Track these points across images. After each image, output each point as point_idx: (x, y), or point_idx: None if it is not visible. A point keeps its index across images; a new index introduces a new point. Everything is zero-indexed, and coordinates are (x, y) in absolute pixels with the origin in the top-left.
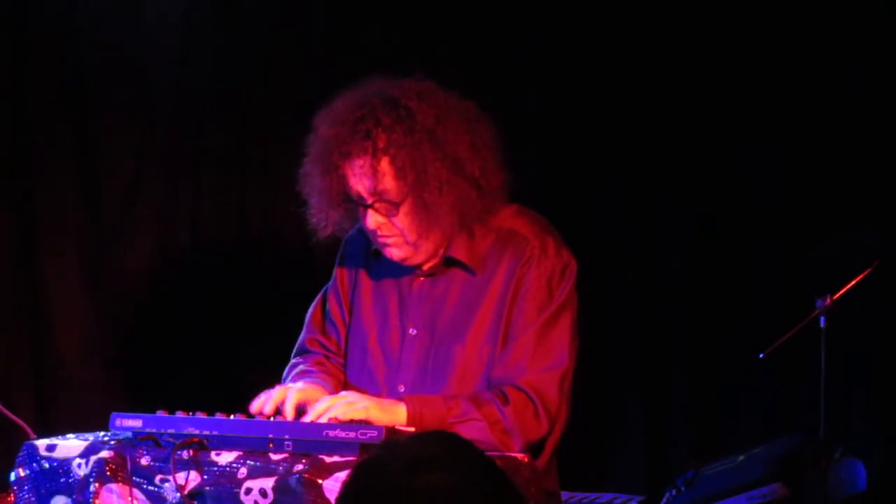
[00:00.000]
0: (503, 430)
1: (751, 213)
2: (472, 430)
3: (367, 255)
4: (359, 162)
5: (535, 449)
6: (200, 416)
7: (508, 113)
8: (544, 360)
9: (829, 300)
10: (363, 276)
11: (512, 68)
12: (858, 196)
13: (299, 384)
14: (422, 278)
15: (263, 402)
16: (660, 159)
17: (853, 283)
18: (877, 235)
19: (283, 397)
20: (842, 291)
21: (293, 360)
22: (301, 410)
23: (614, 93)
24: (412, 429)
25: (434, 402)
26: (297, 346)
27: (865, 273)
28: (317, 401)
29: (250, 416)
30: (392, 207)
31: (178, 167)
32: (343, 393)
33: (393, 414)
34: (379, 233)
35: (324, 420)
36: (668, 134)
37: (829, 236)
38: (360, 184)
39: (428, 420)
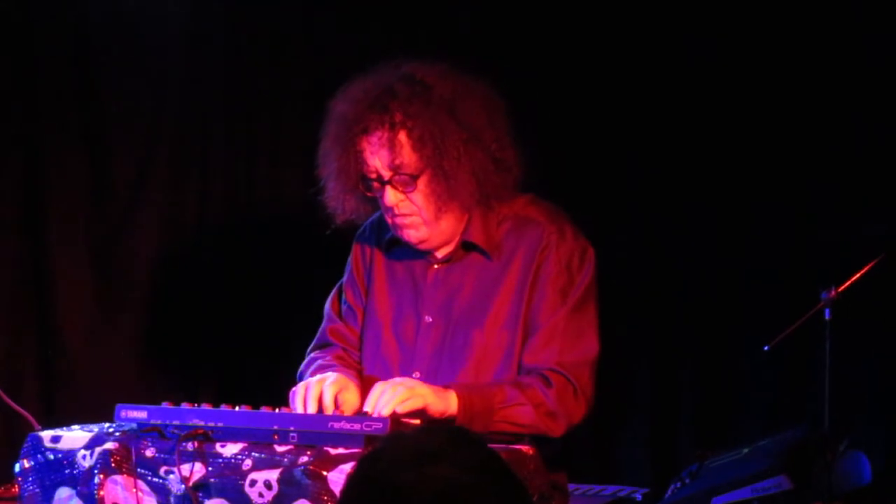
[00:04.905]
0: (548, 413)
1: (755, 206)
2: (519, 414)
3: (381, 247)
4: (376, 135)
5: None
6: (205, 407)
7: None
8: (576, 346)
9: (834, 292)
10: (378, 268)
11: (511, 69)
12: (864, 187)
13: (332, 376)
14: (436, 266)
15: (304, 402)
16: (664, 154)
17: (858, 275)
18: (882, 227)
19: (320, 391)
20: (847, 284)
21: (312, 355)
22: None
23: (615, 91)
24: (418, 421)
25: (481, 389)
26: (317, 337)
27: (870, 265)
28: (349, 391)
29: (255, 407)
30: (410, 181)
31: (186, 155)
32: (398, 379)
33: (446, 401)
34: (396, 211)
35: (385, 412)
36: (671, 128)
37: (834, 228)
38: (377, 158)
39: (477, 406)
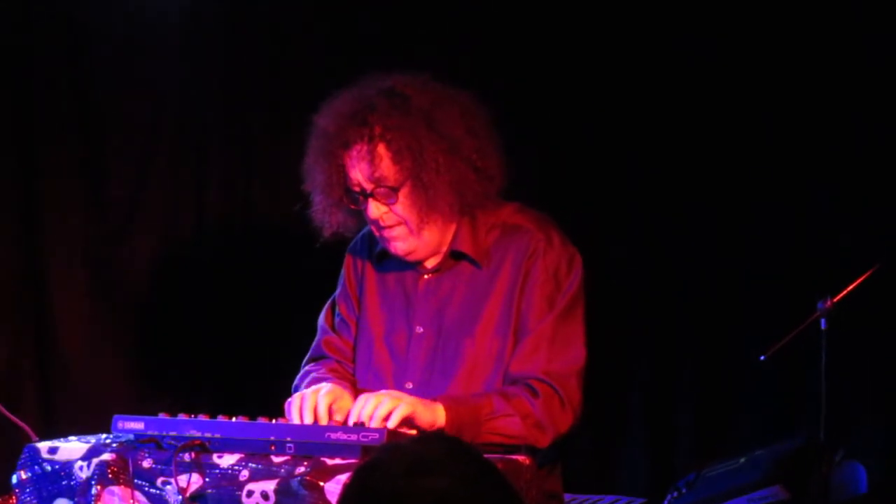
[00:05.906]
0: (535, 424)
1: (755, 207)
2: (506, 425)
3: (372, 259)
4: (356, 148)
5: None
6: (202, 418)
7: (507, 113)
8: (562, 354)
9: (829, 302)
10: (369, 280)
11: (511, 69)
12: (860, 197)
13: (326, 386)
14: (427, 276)
15: (300, 413)
16: (661, 160)
17: (854, 285)
18: (877, 237)
19: (315, 401)
20: (843, 293)
21: (307, 367)
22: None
23: (616, 92)
24: (415, 431)
25: (468, 401)
26: (312, 349)
27: (866, 275)
28: (344, 400)
29: (252, 418)
30: (392, 194)
31: (183, 166)
32: (383, 392)
33: (434, 413)
34: (381, 223)
35: (375, 423)
36: (669, 133)
37: (830, 238)
38: (358, 171)
39: (465, 418)
